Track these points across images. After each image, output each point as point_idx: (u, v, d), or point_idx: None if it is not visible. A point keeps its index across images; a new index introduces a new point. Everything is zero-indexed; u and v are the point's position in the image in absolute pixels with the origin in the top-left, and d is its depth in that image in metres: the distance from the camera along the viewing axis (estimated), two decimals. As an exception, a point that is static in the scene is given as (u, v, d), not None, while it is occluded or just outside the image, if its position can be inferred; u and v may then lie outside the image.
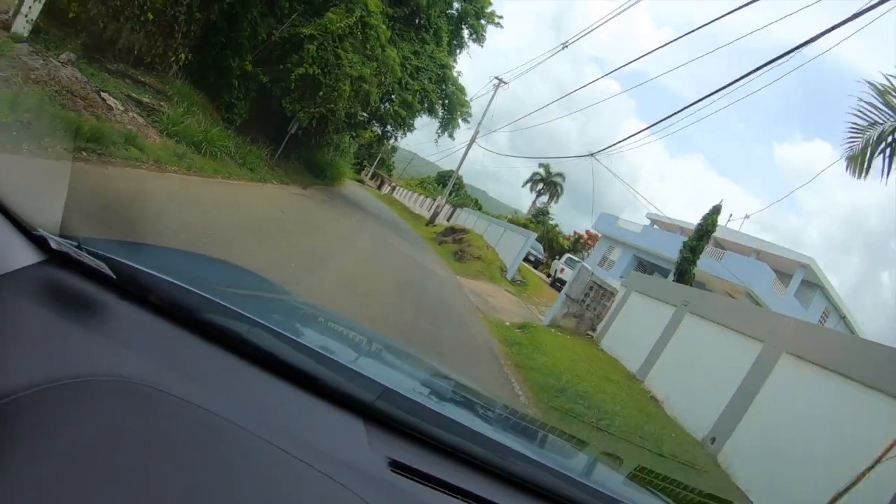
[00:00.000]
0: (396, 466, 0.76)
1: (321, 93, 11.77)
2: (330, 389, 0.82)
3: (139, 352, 0.70)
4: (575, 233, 39.32)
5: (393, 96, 16.47)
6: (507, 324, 10.68)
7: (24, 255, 0.73)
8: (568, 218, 58.94)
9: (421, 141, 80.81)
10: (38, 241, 0.74)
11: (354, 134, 20.28)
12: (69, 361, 0.64)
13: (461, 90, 18.37)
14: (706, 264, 23.51)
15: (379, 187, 55.45)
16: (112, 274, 0.76)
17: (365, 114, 16.03)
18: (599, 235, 38.13)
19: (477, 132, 30.57)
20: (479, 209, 38.35)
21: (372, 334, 1.84)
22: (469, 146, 29.46)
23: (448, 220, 33.07)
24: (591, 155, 12.92)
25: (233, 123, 12.89)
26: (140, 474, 0.56)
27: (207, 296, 0.84)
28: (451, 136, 18.98)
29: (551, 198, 47.40)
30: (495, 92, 29.94)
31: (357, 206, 21.02)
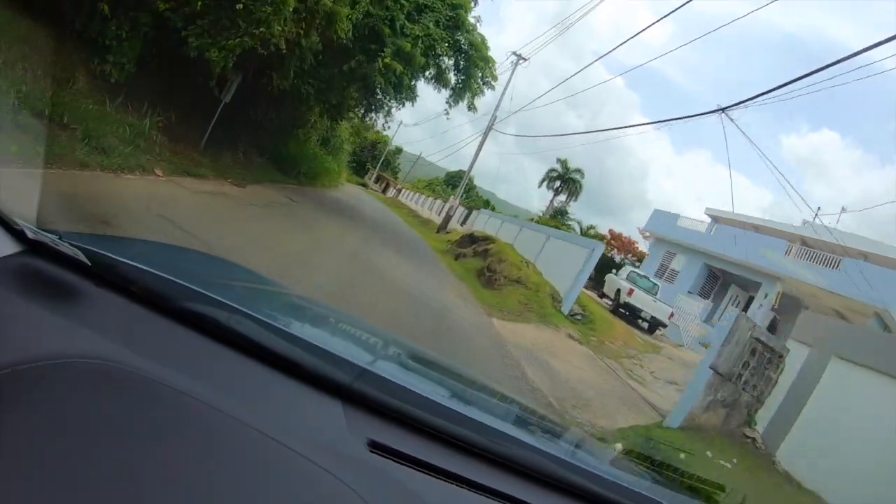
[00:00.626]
0: (376, 447, 0.74)
1: (240, 5, 6.44)
2: (308, 372, 0.79)
3: (116, 336, 0.69)
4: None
5: (384, 48, 11.06)
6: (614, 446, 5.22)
7: (2, 246, 0.72)
8: (577, 216, 53.05)
9: (425, 137, 76.11)
10: (17, 234, 0.74)
11: (335, 115, 14.73)
12: (46, 344, 0.63)
13: (482, 42, 12.87)
14: (811, 274, 17.94)
15: (384, 190, 51.07)
16: (88, 262, 0.76)
17: (338, 70, 10.62)
18: (623, 235, 32.84)
19: (494, 117, 25.18)
20: (493, 210, 33.20)
21: (351, 318, 1.83)
22: (487, 132, 24.02)
23: (462, 224, 27.99)
24: (722, 110, 7.47)
25: (108, 78, 7.63)
26: (116, 453, 0.56)
27: (184, 283, 0.83)
28: (470, 106, 13.47)
29: (570, 196, 42.86)
30: (514, 69, 24.59)
31: (341, 212, 15.56)
